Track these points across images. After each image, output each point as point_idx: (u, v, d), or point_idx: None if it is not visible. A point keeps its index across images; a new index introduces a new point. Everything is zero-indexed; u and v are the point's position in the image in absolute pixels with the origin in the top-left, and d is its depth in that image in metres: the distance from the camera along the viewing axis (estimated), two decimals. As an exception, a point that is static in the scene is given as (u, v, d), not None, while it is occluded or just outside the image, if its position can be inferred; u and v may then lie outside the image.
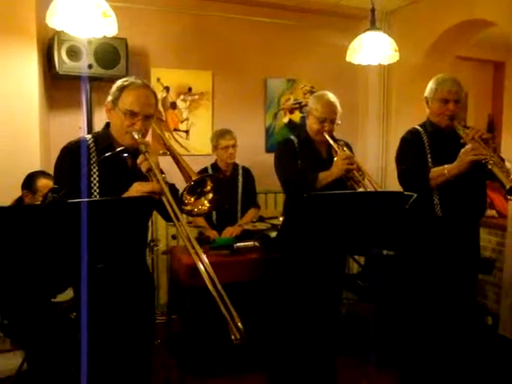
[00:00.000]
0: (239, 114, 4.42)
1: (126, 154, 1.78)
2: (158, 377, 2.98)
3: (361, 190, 2.48)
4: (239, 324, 1.39)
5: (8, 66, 3.21)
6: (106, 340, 1.84)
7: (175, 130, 4.26)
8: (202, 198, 1.83)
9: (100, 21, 2.52)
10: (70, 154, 1.87)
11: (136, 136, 1.85)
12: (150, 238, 3.86)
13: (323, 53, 4.53)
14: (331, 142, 2.71)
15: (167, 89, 4.20)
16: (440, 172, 2.51)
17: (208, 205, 1.83)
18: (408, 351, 2.82)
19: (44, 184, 2.71)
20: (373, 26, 3.05)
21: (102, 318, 1.79)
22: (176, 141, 4.25)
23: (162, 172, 1.80)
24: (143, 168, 1.77)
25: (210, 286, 1.47)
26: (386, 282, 3.23)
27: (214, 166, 3.57)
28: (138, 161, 1.80)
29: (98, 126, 2.20)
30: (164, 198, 1.69)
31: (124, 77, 3.62)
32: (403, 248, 2.61)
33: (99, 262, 1.35)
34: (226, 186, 3.55)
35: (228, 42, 4.35)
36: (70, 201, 1.25)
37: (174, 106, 4.24)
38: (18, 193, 2.80)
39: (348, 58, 3.12)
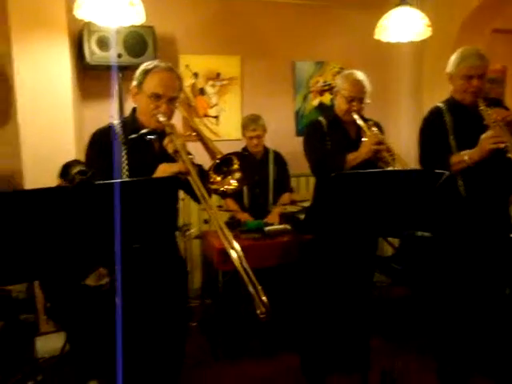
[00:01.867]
0: (268, 98, 4.39)
1: (151, 136, 1.81)
2: (193, 359, 3.06)
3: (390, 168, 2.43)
4: (264, 298, 1.39)
5: (41, 59, 3.28)
6: (139, 321, 1.88)
7: (205, 115, 4.28)
8: (229, 177, 1.83)
9: (127, 10, 2.55)
10: (100, 140, 1.92)
11: (161, 118, 1.88)
12: (182, 222, 3.94)
13: (351, 32, 4.45)
14: (360, 121, 2.65)
15: (196, 75, 4.22)
16: (460, 158, 2.42)
17: (236, 184, 1.83)
18: (444, 335, 2.78)
19: None
20: (403, 1, 2.97)
21: (135, 299, 1.84)
22: (206, 126, 4.28)
23: (188, 153, 1.81)
24: (169, 149, 1.79)
25: (233, 259, 1.48)
26: (421, 265, 3.17)
27: (245, 150, 3.58)
28: (164, 142, 1.83)
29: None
30: (191, 179, 1.70)
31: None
32: (437, 229, 2.55)
33: (131, 242, 1.38)
34: (257, 169, 3.55)
35: (255, 25, 4.31)
36: (97, 182, 1.29)
37: (202, 91, 4.26)
38: (55, 183, 2.88)
39: (377, 36, 3.05)
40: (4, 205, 1.16)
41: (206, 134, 4.19)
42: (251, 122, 3.50)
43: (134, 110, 2.04)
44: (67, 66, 3.35)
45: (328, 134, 2.74)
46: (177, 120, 2.00)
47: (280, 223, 3.29)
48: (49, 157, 3.21)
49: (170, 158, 1.80)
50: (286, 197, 3.62)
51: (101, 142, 1.91)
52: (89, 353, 2.28)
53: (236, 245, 1.52)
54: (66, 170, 2.90)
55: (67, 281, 2.07)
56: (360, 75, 2.71)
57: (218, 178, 1.81)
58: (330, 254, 2.66)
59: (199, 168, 1.87)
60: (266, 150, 3.65)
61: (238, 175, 1.83)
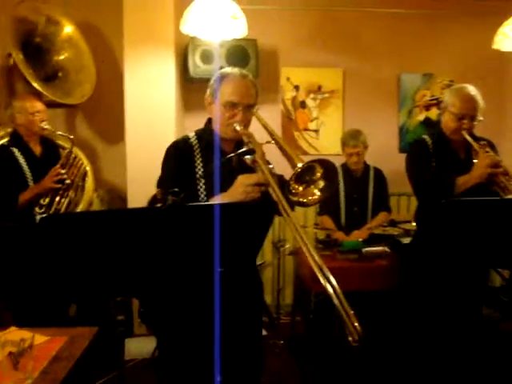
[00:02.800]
0: (371, 112, 4.23)
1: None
2: (279, 376, 2.97)
3: (509, 196, 2.18)
4: (356, 324, 1.27)
5: (148, 72, 3.42)
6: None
7: (305, 129, 4.21)
8: (312, 187, 1.68)
9: (230, 23, 2.57)
10: (176, 153, 1.88)
11: (238, 128, 1.79)
12: (277, 238, 3.90)
13: (464, 42, 4.17)
14: (471, 141, 2.43)
15: (297, 88, 4.17)
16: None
17: (319, 193, 1.68)
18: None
19: None
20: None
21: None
22: (305, 140, 4.21)
23: (268, 163, 1.71)
24: (247, 160, 1.68)
25: (322, 279, 1.36)
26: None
27: (345, 166, 3.45)
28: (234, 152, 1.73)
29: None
30: (271, 190, 1.59)
31: (254, 78, 3.67)
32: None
33: (218, 265, 1.33)
34: (357, 186, 3.42)
35: (358, 37, 4.19)
36: (190, 204, 1.25)
37: (303, 105, 4.20)
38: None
39: (496, 46, 2.79)
40: (95, 224, 1.16)
41: (306, 149, 4.14)
42: (351, 138, 3.36)
43: (210, 120, 1.97)
44: (172, 79, 3.47)
45: (434, 154, 2.54)
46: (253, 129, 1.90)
47: (369, 242, 3.11)
48: (151, 167, 3.31)
49: (248, 169, 1.70)
50: (382, 216, 3.42)
51: (177, 155, 1.87)
52: (175, 363, 2.25)
53: (326, 271, 1.41)
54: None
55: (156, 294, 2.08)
56: (472, 90, 2.47)
57: (300, 188, 1.67)
58: (436, 283, 2.45)
59: (279, 178, 1.75)
60: (366, 167, 3.49)
61: (321, 184, 1.68)
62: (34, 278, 1.79)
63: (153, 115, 3.44)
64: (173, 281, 1.32)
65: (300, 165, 1.60)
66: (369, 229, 3.28)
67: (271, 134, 1.90)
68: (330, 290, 1.34)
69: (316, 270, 1.40)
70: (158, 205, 1.26)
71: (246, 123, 1.85)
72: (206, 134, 1.93)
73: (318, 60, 4.15)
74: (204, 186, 1.82)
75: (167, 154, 1.91)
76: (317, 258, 1.42)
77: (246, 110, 1.84)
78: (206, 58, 3.48)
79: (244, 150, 1.67)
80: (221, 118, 1.85)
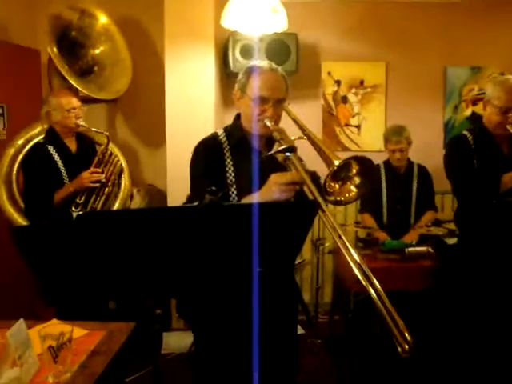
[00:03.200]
0: (415, 107, 4.10)
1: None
2: (316, 375, 2.93)
3: None
4: (407, 334, 1.20)
5: (189, 67, 3.42)
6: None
7: (346, 125, 4.13)
8: (348, 183, 1.60)
9: (270, 17, 2.54)
10: (205, 151, 1.82)
11: (268, 123, 1.72)
12: (316, 236, 3.84)
13: (515, 32, 3.96)
14: None
15: (338, 82, 4.08)
16: None
17: (355, 190, 1.60)
18: None
19: None
20: None
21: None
22: (347, 136, 4.13)
23: (300, 159, 1.63)
24: (279, 157, 1.63)
25: (371, 291, 1.30)
26: None
27: (387, 163, 3.35)
28: (274, 150, 1.66)
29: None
30: (306, 188, 1.52)
31: (295, 72, 3.60)
32: None
33: (257, 265, 1.29)
34: (400, 184, 3.32)
35: (402, 29, 4.06)
36: (227, 203, 1.21)
37: (345, 100, 4.11)
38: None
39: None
40: (131, 222, 1.14)
41: (347, 144, 4.05)
42: (394, 134, 3.25)
43: (238, 116, 1.90)
44: (212, 74, 3.46)
45: (476, 150, 2.42)
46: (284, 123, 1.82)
47: (417, 243, 3.00)
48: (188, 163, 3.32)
49: (280, 166, 1.64)
50: (429, 215, 3.30)
51: (206, 153, 1.81)
52: (211, 359, 2.25)
53: (368, 272, 1.35)
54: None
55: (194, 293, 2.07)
56: None
57: (336, 186, 1.60)
58: (481, 287, 2.34)
59: (312, 175, 1.66)
60: (410, 164, 3.38)
61: (357, 181, 1.60)
62: (72, 275, 1.81)
63: (192, 110, 3.44)
64: (210, 280, 1.29)
65: (337, 162, 1.53)
66: (419, 228, 3.15)
67: (303, 129, 1.83)
68: (374, 293, 1.29)
69: (358, 272, 1.36)
70: (195, 203, 1.23)
71: (277, 118, 1.78)
72: (235, 130, 1.87)
73: (359, 54, 4.04)
74: (235, 186, 1.76)
75: (196, 153, 1.85)
76: (358, 259, 1.37)
77: (277, 105, 1.77)
78: (246, 52, 3.45)
79: (284, 147, 1.59)
80: (250, 114, 1.78)
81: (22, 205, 3.13)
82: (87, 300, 2.45)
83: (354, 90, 4.10)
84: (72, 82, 3.19)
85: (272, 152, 1.63)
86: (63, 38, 3.29)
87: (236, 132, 1.85)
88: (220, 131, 1.89)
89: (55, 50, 3.16)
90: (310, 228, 1.59)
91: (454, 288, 2.62)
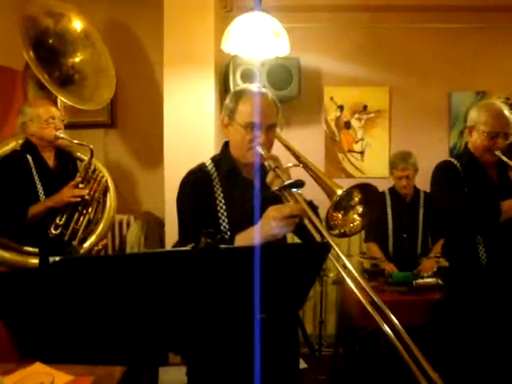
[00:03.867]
0: (419, 133, 4.02)
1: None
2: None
3: None
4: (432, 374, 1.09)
5: (188, 92, 3.35)
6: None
7: (349, 151, 4.04)
8: (351, 213, 1.51)
9: (272, 41, 2.47)
10: (193, 184, 1.68)
11: (261, 151, 1.59)
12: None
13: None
14: (508, 161, 2.21)
15: (341, 108, 4.01)
16: None
17: (359, 219, 1.51)
18: None
19: None
20: None
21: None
22: (350, 162, 4.04)
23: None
24: (275, 187, 1.50)
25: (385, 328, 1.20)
26: None
27: (392, 190, 3.26)
28: (268, 179, 1.54)
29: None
30: (306, 221, 1.40)
31: (296, 97, 3.51)
32: None
33: (256, 312, 1.16)
34: (406, 212, 3.23)
35: (405, 53, 4.02)
36: (223, 247, 1.08)
37: (348, 125, 4.03)
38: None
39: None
40: (118, 268, 1.01)
41: (350, 171, 3.95)
42: (401, 161, 3.16)
43: (226, 143, 1.77)
44: (212, 98, 3.39)
45: (465, 177, 2.32)
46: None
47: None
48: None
49: (274, 196, 1.51)
50: (441, 245, 3.18)
51: (195, 188, 1.67)
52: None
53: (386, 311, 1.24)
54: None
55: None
56: (502, 105, 2.31)
57: (339, 216, 1.50)
58: (481, 322, 2.22)
59: (310, 205, 1.55)
60: (416, 191, 3.28)
61: (360, 209, 1.51)
62: (49, 330, 1.63)
63: (192, 135, 3.35)
64: (207, 329, 1.16)
65: (340, 192, 1.43)
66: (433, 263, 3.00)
67: (297, 156, 1.71)
68: (388, 330, 1.18)
69: (369, 308, 1.25)
70: (189, 247, 1.10)
71: (269, 145, 1.66)
72: (224, 159, 1.73)
73: (362, 78, 3.99)
74: (226, 220, 1.63)
75: (183, 187, 1.71)
76: (376, 298, 1.27)
77: (269, 131, 1.64)
78: (247, 77, 3.39)
79: (292, 182, 1.46)
80: (240, 142, 1.65)
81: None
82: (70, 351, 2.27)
83: (357, 116, 4.03)
84: (53, 91, 2.82)
85: (279, 187, 1.49)
86: (40, 44, 2.96)
87: (225, 161, 1.72)
88: (208, 161, 1.76)
89: (31, 54, 2.82)
90: (319, 271, 1.47)
91: (449, 321, 2.50)
